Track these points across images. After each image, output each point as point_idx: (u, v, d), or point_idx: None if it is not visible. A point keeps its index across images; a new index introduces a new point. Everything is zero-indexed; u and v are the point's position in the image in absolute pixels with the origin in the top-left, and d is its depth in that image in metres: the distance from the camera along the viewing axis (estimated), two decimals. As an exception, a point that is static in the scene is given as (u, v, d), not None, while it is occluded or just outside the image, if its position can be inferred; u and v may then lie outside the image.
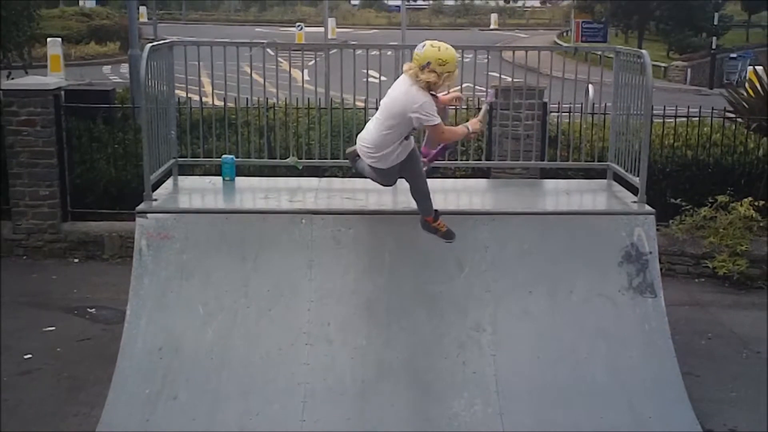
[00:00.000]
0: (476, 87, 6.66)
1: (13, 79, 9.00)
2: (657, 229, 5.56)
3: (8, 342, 6.04)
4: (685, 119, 8.56)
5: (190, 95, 8.06)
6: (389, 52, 6.52)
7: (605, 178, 6.28)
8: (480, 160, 7.72)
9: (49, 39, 18.36)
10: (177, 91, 6.36)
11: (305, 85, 7.49)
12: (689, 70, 28.65)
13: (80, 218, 8.14)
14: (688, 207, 7.92)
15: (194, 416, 4.74)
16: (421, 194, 5.02)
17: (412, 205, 5.14)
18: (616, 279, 5.22)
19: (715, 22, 30.74)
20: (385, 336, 5.05)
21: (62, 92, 8.20)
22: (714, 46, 29.85)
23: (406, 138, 4.84)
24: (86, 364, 5.72)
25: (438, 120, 4.76)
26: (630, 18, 35.38)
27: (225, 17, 51.89)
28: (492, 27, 47.61)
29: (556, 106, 7.99)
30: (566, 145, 7.83)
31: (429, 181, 5.09)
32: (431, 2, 56.15)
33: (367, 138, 4.90)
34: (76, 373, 5.61)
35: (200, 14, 51.66)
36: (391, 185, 5.23)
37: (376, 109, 5.03)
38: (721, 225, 7.72)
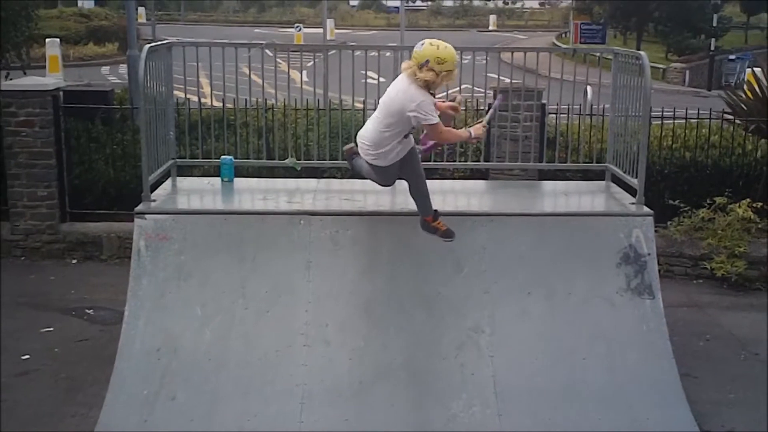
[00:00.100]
0: (475, 88, 6.66)
1: (11, 79, 8.98)
2: (655, 231, 5.56)
3: (6, 343, 6.03)
4: (683, 121, 8.56)
5: (188, 96, 8.05)
6: (388, 53, 6.52)
7: (603, 180, 6.27)
8: (478, 161, 7.72)
9: (47, 39, 18.34)
10: (176, 92, 6.36)
11: (304, 86, 7.47)
12: (688, 71, 28.68)
13: (79, 219, 8.13)
14: (686, 208, 7.91)
15: (192, 417, 4.74)
16: (420, 194, 5.01)
17: (411, 206, 5.13)
18: (615, 280, 5.21)
19: (714, 24, 30.82)
20: (384, 337, 5.04)
21: (61, 93, 8.19)
22: (713, 48, 29.90)
23: (405, 136, 4.83)
24: (84, 365, 5.71)
25: (436, 119, 4.73)
26: (629, 19, 35.38)
27: (224, 18, 51.98)
28: (491, 28, 47.70)
29: (555, 107, 8.00)
30: (564, 147, 7.83)
31: (427, 182, 5.07)
32: (430, 3, 56.25)
33: (366, 136, 4.89)
34: (74, 373, 5.61)
35: (199, 15, 51.74)
36: (389, 185, 5.21)
37: (375, 109, 5.03)
38: (719, 226, 7.72)
